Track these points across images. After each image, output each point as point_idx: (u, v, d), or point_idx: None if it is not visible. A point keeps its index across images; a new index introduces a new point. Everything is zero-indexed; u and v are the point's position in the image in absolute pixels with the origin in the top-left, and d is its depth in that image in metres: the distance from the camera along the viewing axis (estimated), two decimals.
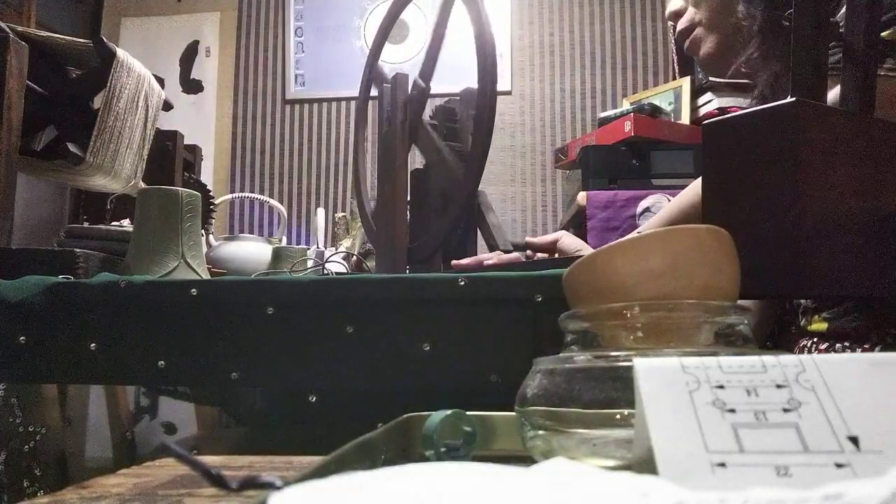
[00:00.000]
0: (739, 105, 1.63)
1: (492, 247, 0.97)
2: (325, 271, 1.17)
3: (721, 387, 0.27)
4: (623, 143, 1.70)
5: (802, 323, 0.74)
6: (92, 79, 1.08)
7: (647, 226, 0.93)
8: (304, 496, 0.23)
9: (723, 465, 0.24)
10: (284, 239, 2.36)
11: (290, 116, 3.03)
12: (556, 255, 1.02)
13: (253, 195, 2.06)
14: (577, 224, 1.68)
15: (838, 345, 0.68)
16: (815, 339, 0.71)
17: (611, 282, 0.39)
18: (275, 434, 0.89)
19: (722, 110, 1.74)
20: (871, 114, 0.51)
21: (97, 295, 0.73)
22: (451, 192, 0.94)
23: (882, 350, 0.64)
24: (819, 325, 0.71)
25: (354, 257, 1.51)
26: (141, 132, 1.11)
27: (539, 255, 1.03)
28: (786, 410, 0.26)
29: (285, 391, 0.84)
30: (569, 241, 1.01)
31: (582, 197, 1.69)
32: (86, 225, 1.26)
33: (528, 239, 1.05)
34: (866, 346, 0.66)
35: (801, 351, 0.72)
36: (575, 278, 0.42)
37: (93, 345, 0.71)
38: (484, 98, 0.85)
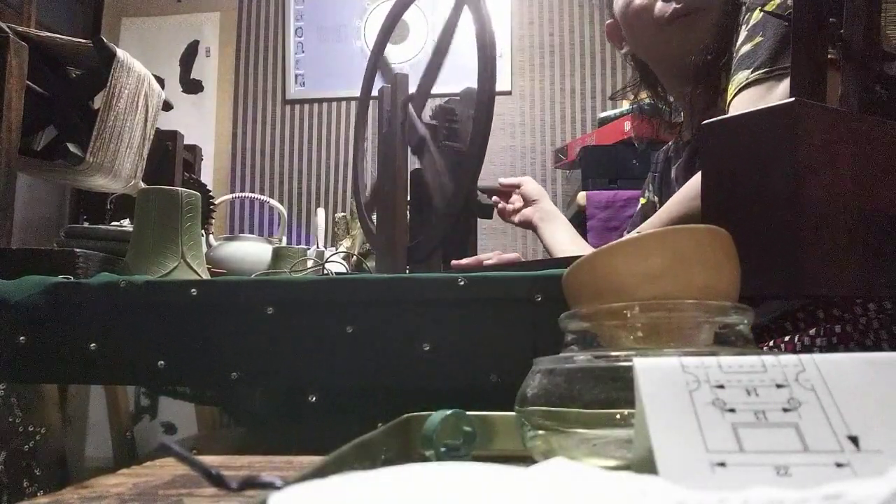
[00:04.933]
0: None
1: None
2: (325, 271, 1.17)
3: (721, 386, 0.27)
4: (623, 143, 1.70)
5: None
6: (92, 79, 1.08)
7: (647, 225, 0.93)
8: (304, 496, 0.23)
9: (722, 464, 0.24)
10: (284, 239, 2.36)
11: (290, 116, 3.03)
12: (519, 199, 1.20)
13: (253, 195, 2.06)
14: (578, 224, 1.68)
15: (763, 346, 0.69)
16: None
17: (611, 282, 0.39)
18: (275, 434, 0.89)
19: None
20: (871, 114, 0.51)
21: (97, 295, 0.73)
22: (451, 192, 0.94)
23: (800, 339, 0.65)
24: None
25: (354, 257, 1.52)
26: (141, 132, 1.11)
27: (503, 199, 1.19)
28: (786, 410, 0.26)
29: (285, 391, 0.84)
30: (530, 188, 1.19)
31: (582, 197, 1.69)
32: (86, 225, 1.26)
33: (501, 180, 1.23)
34: (786, 338, 0.67)
35: None
36: (575, 278, 0.42)
37: (93, 345, 0.71)
38: (483, 98, 0.85)
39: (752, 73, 0.73)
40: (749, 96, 0.73)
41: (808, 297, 0.68)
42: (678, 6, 0.94)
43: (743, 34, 0.77)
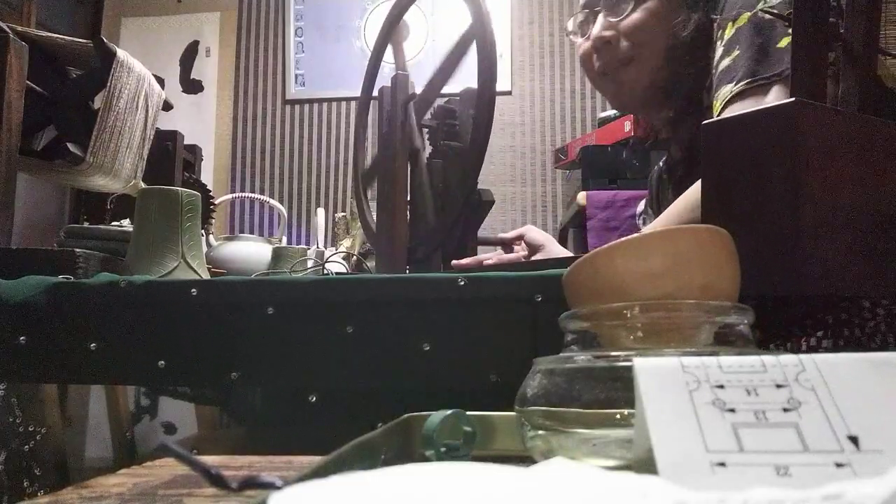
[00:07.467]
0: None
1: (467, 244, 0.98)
2: (325, 271, 1.17)
3: (721, 386, 0.27)
4: (623, 143, 1.70)
5: None
6: (92, 79, 1.08)
7: (650, 227, 0.93)
8: (304, 496, 0.23)
9: (722, 464, 0.24)
10: (284, 239, 2.36)
11: (290, 116, 3.03)
12: (525, 250, 1.11)
13: (253, 195, 2.06)
14: (577, 224, 1.68)
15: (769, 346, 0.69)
16: None
17: (611, 282, 0.39)
18: (275, 434, 0.89)
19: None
20: (871, 114, 0.51)
21: (97, 295, 0.73)
22: (451, 193, 0.94)
23: (806, 340, 0.66)
24: None
25: (354, 257, 1.52)
26: (141, 132, 1.11)
27: (510, 254, 1.10)
28: (786, 410, 0.26)
29: (285, 391, 0.84)
30: (534, 234, 1.11)
31: (582, 197, 1.69)
32: (86, 225, 1.26)
33: (500, 235, 1.15)
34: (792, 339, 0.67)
35: None
36: (575, 278, 0.42)
37: (93, 345, 0.71)
38: (483, 98, 0.85)
39: (735, 85, 0.73)
40: (739, 108, 0.73)
41: (809, 299, 0.68)
42: (598, 64, 0.93)
43: (720, 50, 0.77)
